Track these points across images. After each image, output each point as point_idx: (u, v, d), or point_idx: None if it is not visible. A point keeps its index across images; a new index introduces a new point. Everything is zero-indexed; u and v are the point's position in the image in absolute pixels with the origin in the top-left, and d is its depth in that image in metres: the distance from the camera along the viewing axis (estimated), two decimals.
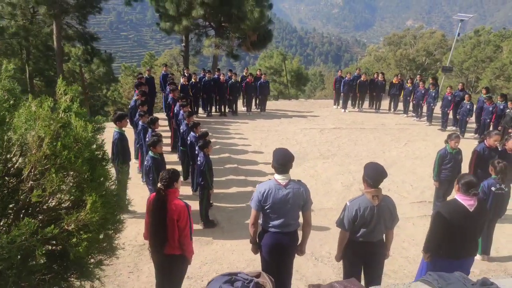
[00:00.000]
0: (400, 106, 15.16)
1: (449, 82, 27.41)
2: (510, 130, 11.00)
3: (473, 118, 12.57)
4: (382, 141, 11.71)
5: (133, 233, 5.98)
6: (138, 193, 6.74)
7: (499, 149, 6.89)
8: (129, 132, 7.96)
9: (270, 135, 11.69)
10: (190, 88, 12.73)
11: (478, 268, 5.62)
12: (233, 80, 13.48)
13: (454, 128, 12.94)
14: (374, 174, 3.67)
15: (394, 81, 15.02)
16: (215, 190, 7.83)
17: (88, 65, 24.19)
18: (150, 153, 5.66)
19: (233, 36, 17.45)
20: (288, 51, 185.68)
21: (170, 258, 3.75)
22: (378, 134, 12.40)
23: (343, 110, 15.31)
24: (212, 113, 13.72)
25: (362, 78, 14.92)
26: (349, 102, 15.68)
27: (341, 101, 15.52)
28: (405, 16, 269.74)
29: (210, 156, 6.52)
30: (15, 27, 20.61)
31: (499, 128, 11.17)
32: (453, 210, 3.87)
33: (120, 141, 6.09)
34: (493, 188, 5.48)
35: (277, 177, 3.78)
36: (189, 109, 8.08)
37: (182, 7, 16.54)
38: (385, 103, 15.76)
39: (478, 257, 5.81)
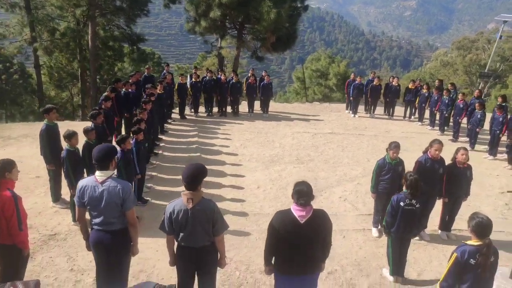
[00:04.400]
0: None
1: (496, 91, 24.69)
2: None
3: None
4: (375, 148, 11.00)
5: None
6: None
7: (446, 162, 6.18)
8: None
9: (257, 137, 11.54)
10: (191, 87, 13.01)
11: None
12: (234, 81, 13.52)
13: (467, 139, 11.77)
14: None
15: (410, 87, 14.00)
16: (163, 188, 8.00)
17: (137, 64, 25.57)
18: (66, 145, 5.92)
19: (251, 38, 17.45)
20: (353, 55, 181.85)
21: (2, 248, 3.87)
22: (376, 141, 11.67)
23: (352, 115, 14.63)
24: (213, 113, 13.85)
25: (375, 83, 14.13)
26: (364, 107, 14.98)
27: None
28: (486, 19, 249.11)
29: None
30: (64, 28, 22.59)
31: (509, 140, 9.94)
32: (282, 220, 3.56)
33: (46, 133, 6.43)
34: (401, 203, 4.94)
35: (97, 173, 3.74)
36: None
37: (201, 8, 16.93)
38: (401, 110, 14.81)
39: (390, 278, 5.28)
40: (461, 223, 7.12)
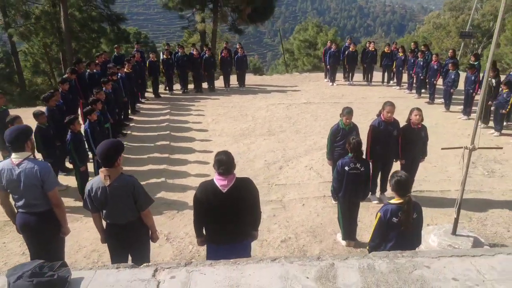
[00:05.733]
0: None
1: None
2: (489, 103, 9.70)
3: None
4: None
5: None
6: None
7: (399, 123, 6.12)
8: None
9: (230, 111, 11.43)
10: (162, 64, 12.79)
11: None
12: (207, 55, 13.28)
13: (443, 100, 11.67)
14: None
15: (385, 51, 13.76)
16: (127, 167, 7.94)
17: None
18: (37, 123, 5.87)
19: (227, 10, 17.04)
20: (347, 23, 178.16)
21: None
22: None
23: (330, 83, 14.45)
24: (188, 90, 13.68)
25: (350, 49, 13.88)
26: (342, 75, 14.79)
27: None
28: None
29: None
30: (39, 11, 22.01)
31: (489, 103, 9.78)
32: (205, 191, 3.54)
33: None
34: (346, 168, 4.91)
35: (12, 155, 3.65)
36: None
37: None
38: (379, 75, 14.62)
39: (342, 242, 5.32)
40: (425, 185, 7.17)
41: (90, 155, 6.87)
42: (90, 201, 3.54)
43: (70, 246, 5.26)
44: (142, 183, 7.19)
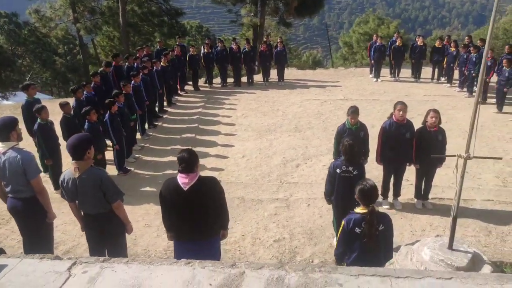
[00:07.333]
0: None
1: None
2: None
3: None
4: (386, 114, 10.27)
5: None
6: None
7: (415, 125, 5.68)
8: None
9: (262, 106, 11.39)
10: (203, 58, 13.08)
11: None
12: (247, 49, 13.33)
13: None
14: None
15: (436, 45, 12.79)
16: (150, 158, 8.31)
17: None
18: (38, 119, 6.35)
19: (274, 3, 16.95)
20: (419, 14, 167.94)
21: None
22: (389, 106, 10.73)
23: (374, 79, 13.79)
24: (227, 84, 13.84)
25: (397, 43, 13.11)
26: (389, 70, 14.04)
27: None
28: None
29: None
30: (103, 7, 23.61)
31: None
32: (168, 187, 3.58)
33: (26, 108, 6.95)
34: (338, 170, 4.68)
35: None
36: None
37: None
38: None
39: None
40: (448, 192, 6.61)
41: (110, 144, 7.25)
42: (64, 192, 3.76)
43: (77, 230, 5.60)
44: (159, 173, 7.63)
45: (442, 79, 13.23)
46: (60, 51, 28.21)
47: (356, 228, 3.27)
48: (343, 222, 3.38)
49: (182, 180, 3.51)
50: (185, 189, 3.49)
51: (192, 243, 3.71)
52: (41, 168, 7.03)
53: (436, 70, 13.24)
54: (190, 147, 3.68)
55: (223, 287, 2.22)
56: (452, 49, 12.21)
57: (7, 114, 10.70)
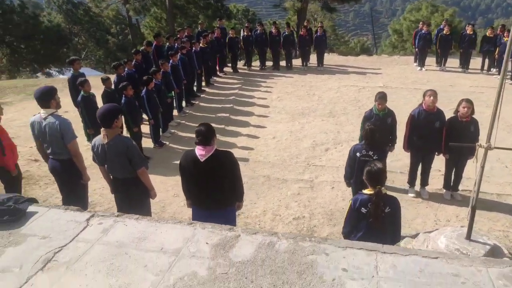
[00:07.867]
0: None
1: None
2: None
3: None
4: None
5: None
6: None
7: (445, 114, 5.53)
8: None
9: (298, 90, 11.39)
10: (242, 41, 13.22)
11: None
12: (287, 33, 13.29)
13: None
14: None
15: (487, 34, 12.08)
16: (185, 134, 8.65)
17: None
18: (82, 92, 6.82)
19: None
20: (480, 1, 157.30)
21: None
22: None
23: (418, 68, 13.29)
24: (266, 67, 13.90)
25: (444, 32, 12.51)
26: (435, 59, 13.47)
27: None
28: None
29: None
30: None
31: None
32: (186, 158, 3.81)
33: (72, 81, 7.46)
34: (358, 154, 4.71)
35: (41, 111, 4.29)
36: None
37: None
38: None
39: None
40: (483, 185, 6.33)
41: (146, 118, 7.64)
42: (94, 156, 4.11)
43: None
44: (192, 148, 7.94)
45: (493, 70, 12.52)
46: (112, 31, 29.49)
47: (362, 208, 3.34)
48: (350, 202, 3.45)
49: (199, 152, 3.71)
50: (202, 160, 3.70)
51: (209, 211, 3.93)
52: (85, 137, 7.64)
53: (487, 60, 12.52)
54: (207, 122, 3.86)
55: (217, 246, 2.40)
56: (506, 38, 11.46)
57: (60, 86, 11.49)
